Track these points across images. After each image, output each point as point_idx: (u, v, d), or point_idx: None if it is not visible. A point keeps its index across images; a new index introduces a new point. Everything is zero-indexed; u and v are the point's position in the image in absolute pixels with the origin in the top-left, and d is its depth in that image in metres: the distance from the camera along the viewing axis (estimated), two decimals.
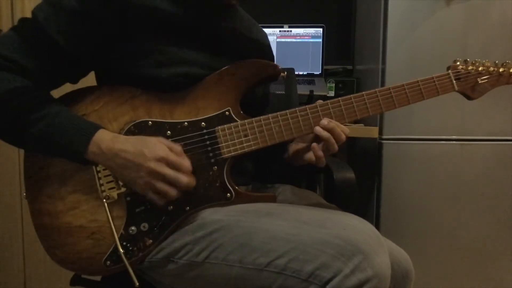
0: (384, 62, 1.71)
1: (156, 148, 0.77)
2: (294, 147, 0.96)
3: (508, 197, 1.73)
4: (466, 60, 0.97)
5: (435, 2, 1.67)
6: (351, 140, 2.13)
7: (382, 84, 1.72)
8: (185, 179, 0.78)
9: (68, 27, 0.80)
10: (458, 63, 0.97)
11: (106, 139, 0.78)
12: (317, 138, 0.88)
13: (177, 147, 0.80)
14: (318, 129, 0.87)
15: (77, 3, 0.79)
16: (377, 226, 1.73)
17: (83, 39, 0.81)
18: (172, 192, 0.79)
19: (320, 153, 0.87)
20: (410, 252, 0.92)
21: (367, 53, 1.97)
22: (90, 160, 0.79)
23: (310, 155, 0.90)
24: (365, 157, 1.92)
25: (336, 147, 0.87)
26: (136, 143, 0.78)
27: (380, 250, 0.73)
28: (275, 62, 0.94)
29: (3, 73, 0.78)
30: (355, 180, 1.08)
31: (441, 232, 1.73)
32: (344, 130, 0.88)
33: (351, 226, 0.76)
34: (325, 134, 0.86)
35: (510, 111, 1.70)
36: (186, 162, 0.79)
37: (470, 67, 0.97)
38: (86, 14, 0.79)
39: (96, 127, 0.79)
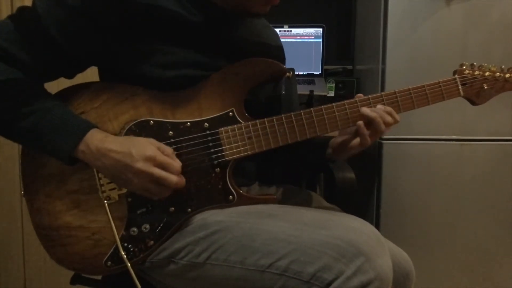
0: (384, 62, 1.71)
1: (144, 148, 0.76)
2: (338, 140, 0.94)
3: (508, 197, 1.73)
4: (473, 64, 0.96)
5: (435, 2, 1.67)
6: None
7: (382, 84, 1.72)
8: (174, 178, 0.77)
9: (67, 23, 0.78)
10: (464, 67, 0.96)
11: (96, 138, 0.77)
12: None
13: (168, 149, 0.79)
14: (364, 109, 0.87)
15: (80, 0, 0.77)
16: (377, 226, 1.73)
17: (82, 37, 0.79)
18: (164, 191, 0.78)
19: (365, 131, 0.86)
20: (410, 252, 0.92)
21: (367, 53, 1.97)
22: (78, 159, 0.78)
23: (356, 140, 0.89)
24: (365, 157, 1.91)
25: (382, 127, 0.87)
26: (124, 143, 0.77)
27: (382, 251, 0.73)
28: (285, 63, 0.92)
29: None
30: (355, 180, 1.08)
31: (441, 232, 1.73)
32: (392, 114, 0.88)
33: (353, 227, 0.76)
34: (372, 114, 0.86)
35: (510, 111, 1.70)
36: (175, 163, 0.78)
37: (476, 72, 0.95)
38: (88, 13, 0.78)
39: (89, 126, 0.78)
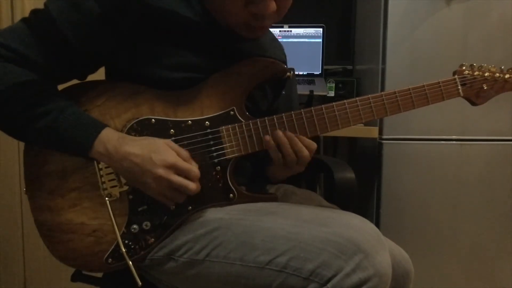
0: (384, 62, 1.71)
1: (165, 153, 0.77)
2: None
3: (508, 197, 1.73)
4: (472, 64, 0.97)
5: (435, 2, 1.68)
6: (351, 140, 2.14)
7: (382, 84, 1.72)
8: (193, 186, 0.78)
9: (81, 26, 0.78)
10: (464, 67, 0.97)
11: (112, 139, 0.78)
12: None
13: (185, 153, 0.80)
14: (267, 138, 0.85)
15: (95, 3, 0.77)
16: (377, 226, 1.72)
17: (96, 39, 0.80)
18: (180, 198, 0.79)
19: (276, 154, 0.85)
20: (409, 252, 0.92)
21: (367, 53, 1.97)
22: (95, 158, 0.79)
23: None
24: (365, 157, 1.92)
25: (292, 157, 0.85)
26: (144, 146, 0.77)
27: (381, 249, 0.73)
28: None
29: (11, 65, 0.76)
30: (355, 180, 1.08)
31: (441, 232, 1.73)
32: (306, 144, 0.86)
33: (352, 225, 0.76)
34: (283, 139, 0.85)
35: (510, 111, 1.71)
36: (194, 169, 0.79)
37: (476, 73, 0.96)
38: (103, 16, 0.78)
39: (102, 126, 0.79)
